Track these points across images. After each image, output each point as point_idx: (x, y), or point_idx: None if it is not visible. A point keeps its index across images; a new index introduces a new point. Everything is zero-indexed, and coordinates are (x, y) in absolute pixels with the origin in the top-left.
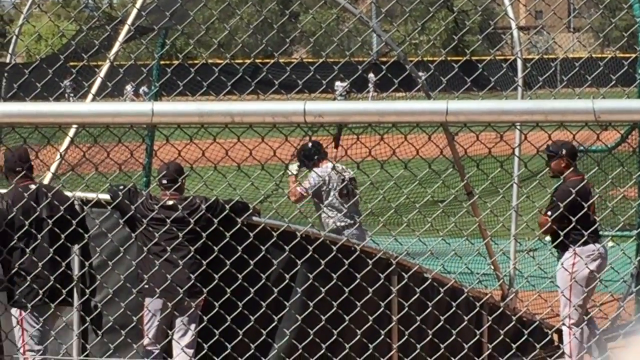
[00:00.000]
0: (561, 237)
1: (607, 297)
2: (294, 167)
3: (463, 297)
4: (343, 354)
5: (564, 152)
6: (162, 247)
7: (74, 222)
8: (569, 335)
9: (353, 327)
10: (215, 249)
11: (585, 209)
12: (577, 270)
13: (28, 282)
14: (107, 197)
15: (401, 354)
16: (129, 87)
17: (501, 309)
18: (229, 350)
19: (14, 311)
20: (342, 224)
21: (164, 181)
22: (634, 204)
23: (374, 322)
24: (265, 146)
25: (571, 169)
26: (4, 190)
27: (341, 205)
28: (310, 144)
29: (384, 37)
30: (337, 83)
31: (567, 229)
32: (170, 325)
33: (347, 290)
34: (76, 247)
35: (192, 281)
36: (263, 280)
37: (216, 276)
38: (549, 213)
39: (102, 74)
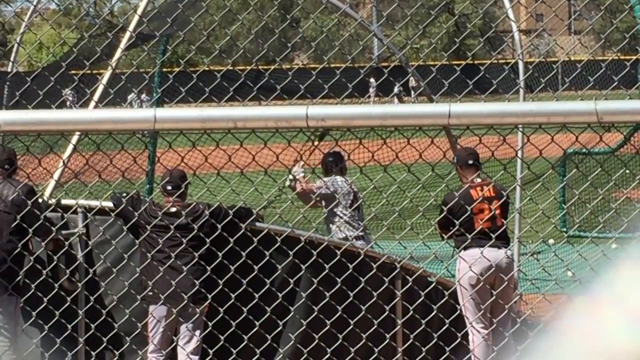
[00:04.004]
0: (443, 243)
1: None
2: (299, 170)
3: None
4: (348, 358)
5: (455, 160)
6: (165, 254)
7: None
8: (472, 339)
9: (358, 331)
10: (219, 254)
11: (463, 214)
12: (461, 274)
13: None
14: (110, 204)
15: (406, 358)
16: (132, 95)
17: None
18: (234, 356)
19: None
20: (350, 233)
21: (168, 187)
22: (637, 205)
23: (378, 326)
24: (268, 151)
25: (464, 175)
26: None
27: (350, 218)
28: (330, 157)
29: (385, 41)
30: (399, 88)
31: (450, 233)
32: (175, 332)
33: (351, 294)
34: (81, 255)
35: (197, 287)
36: (267, 286)
37: (220, 282)
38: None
39: (104, 81)
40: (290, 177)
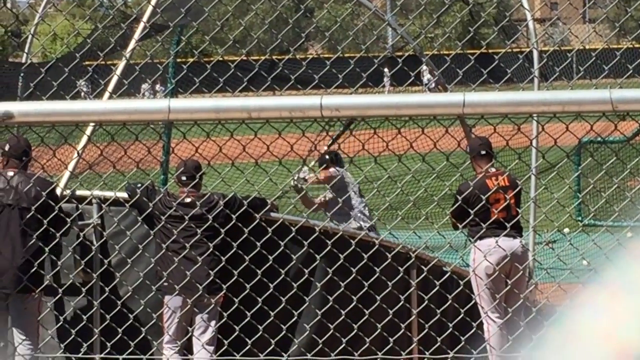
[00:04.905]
0: (458, 232)
1: None
2: (305, 171)
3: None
4: (363, 348)
5: (468, 150)
6: (180, 245)
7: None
8: (487, 328)
9: (373, 321)
10: (234, 245)
11: (480, 204)
12: (476, 263)
13: None
14: (125, 195)
15: (421, 347)
16: (145, 86)
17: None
18: (249, 346)
19: None
20: (365, 224)
21: (183, 178)
22: None
23: (393, 316)
24: (282, 141)
25: (478, 165)
26: None
27: (364, 208)
28: (327, 155)
29: (400, 31)
30: (428, 77)
31: (465, 223)
32: (190, 323)
33: (366, 284)
34: (96, 246)
35: (212, 278)
36: (282, 276)
37: (235, 272)
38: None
39: (119, 72)
40: (297, 177)
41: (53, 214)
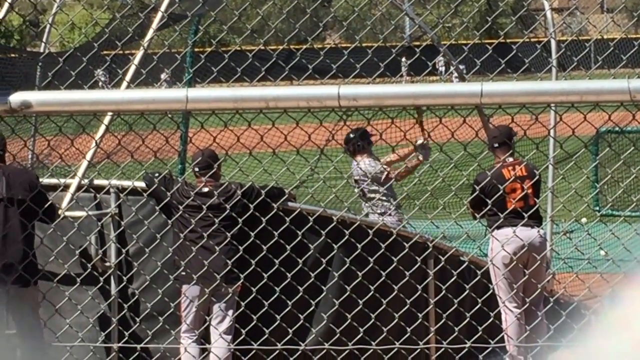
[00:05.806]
0: (476, 222)
1: None
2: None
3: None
4: (381, 337)
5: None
6: (198, 234)
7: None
8: (505, 318)
9: (390, 311)
10: (252, 234)
11: (498, 194)
12: (494, 253)
13: None
14: (142, 184)
15: (439, 337)
16: (164, 75)
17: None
18: (266, 336)
19: None
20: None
21: (196, 169)
22: None
23: (411, 306)
24: (300, 131)
25: (497, 155)
26: None
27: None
28: (352, 134)
29: (417, 20)
30: (442, 66)
31: (482, 213)
32: (207, 312)
33: (383, 274)
34: (113, 235)
35: (229, 267)
36: (300, 265)
37: (253, 262)
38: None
39: (136, 61)
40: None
41: (49, 203)
